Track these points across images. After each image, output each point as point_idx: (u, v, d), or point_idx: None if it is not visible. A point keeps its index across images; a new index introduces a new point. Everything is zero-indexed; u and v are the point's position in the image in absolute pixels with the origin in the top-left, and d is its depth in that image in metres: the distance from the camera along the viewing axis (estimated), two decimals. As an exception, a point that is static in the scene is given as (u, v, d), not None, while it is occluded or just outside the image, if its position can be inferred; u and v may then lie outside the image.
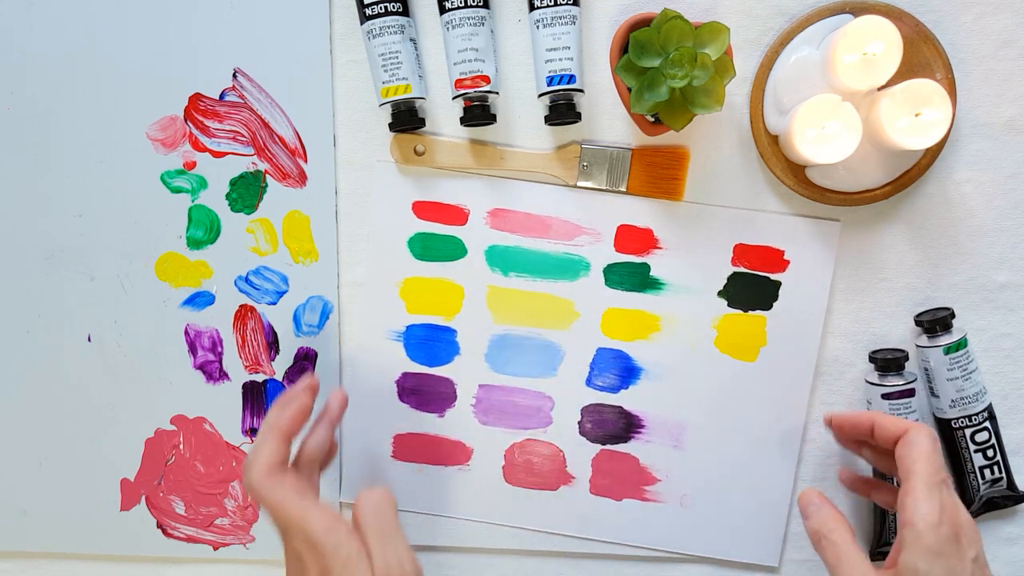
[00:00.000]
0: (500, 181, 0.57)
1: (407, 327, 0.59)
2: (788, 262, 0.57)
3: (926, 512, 0.44)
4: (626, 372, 0.59)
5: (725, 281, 0.57)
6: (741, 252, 0.57)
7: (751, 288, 0.57)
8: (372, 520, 0.46)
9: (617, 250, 0.58)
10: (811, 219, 0.57)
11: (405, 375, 0.60)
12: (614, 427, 0.59)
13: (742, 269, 0.57)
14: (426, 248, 0.58)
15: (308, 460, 0.51)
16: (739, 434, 0.58)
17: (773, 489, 0.59)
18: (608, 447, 0.59)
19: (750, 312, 0.58)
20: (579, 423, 0.59)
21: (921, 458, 0.46)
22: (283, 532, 0.46)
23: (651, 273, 0.58)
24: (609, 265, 0.58)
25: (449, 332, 0.59)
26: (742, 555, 0.59)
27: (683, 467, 0.59)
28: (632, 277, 0.58)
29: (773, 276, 0.57)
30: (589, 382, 0.59)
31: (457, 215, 0.58)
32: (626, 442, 0.59)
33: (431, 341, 0.59)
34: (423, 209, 0.58)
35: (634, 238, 0.57)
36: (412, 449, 0.60)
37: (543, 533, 0.60)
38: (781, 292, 0.57)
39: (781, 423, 0.58)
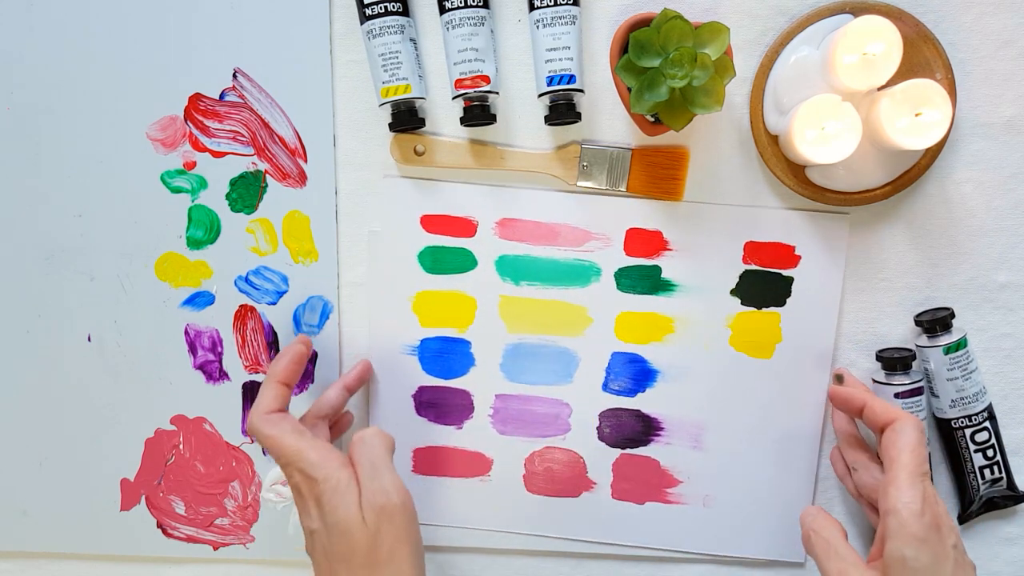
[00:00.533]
0: (507, 191, 0.57)
1: (421, 341, 0.59)
2: (799, 257, 0.57)
3: (909, 501, 0.45)
4: (642, 375, 0.58)
5: (737, 279, 0.57)
6: (752, 250, 0.57)
7: (764, 285, 0.57)
8: (362, 454, 0.49)
9: (627, 254, 0.58)
10: (820, 213, 0.56)
11: (422, 389, 0.60)
12: (632, 431, 0.59)
13: (754, 267, 0.57)
14: (436, 261, 0.58)
15: (313, 414, 0.55)
16: (758, 431, 0.58)
17: (795, 485, 0.59)
18: (628, 451, 0.59)
19: (764, 309, 0.58)
20: (597, 428, 0.59)
21: (907, 448, 0.47)
22: (283, 467, 0.50)
23: (662, 275, 0.58)
24: (620, 269, 0.58)
25: (463, 344, 0.59)
26: (767, 552, 0.59)
27: (704, 468, 0.59)
28: (644, 280, 0.58)
29: (785, 272, 0.57)
30: (605, 387, 0.59)
31: (466, 227, 0.58)
32: (645, 445, 0.59)
33: (446, 354, 0.59)
34: (431, 223, 0.58)
35: (644, 241, 0.57)
36: (432, 463, 0.60)
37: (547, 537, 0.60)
38: (794, 288, 0.57)
39: (800, 418, 0.58)
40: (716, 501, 0.59)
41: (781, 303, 0.57)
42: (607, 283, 0.58)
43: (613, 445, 0.59)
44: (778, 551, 0.59)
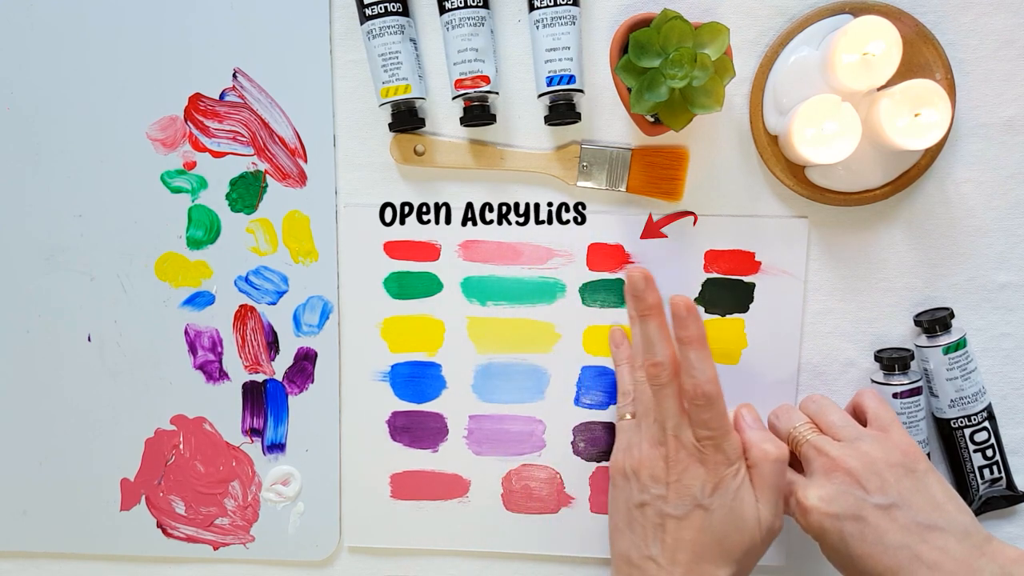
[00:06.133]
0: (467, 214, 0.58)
1: (392, 366, 0.59)
2: (760, 263, 0.57)
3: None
4: (613, 387, 0.58)
5: (700, 288, 0.57)
6: (712, 258, 0.57)
7: (726, 292, 0.57)
8: (768, 472, 0.50)
9: (590, 268, 0.58)
10: (779, 219, 0.57)
11: (395, 414, 0.60)
12: (607, 443, 0.59)
13: (715, 275, 0.57)
14: (402, 287, 0.58)
15: None
16: None
17: None
18: (604, 464, 0.59)
19: (728, 316, 0.58)
20: (572, 443, 0.59)
21: None
22: (697, 422, 0.50)
23: None
24: (584, 284, 0.58)
25: (434, 367, 0.59)
26: None
27: None
28: (608, 293, 0.58)
29: (747, 279, 0.57)
30: (577, 401, 0.59)
31: (429, 251, 0.58)
32: None
33: (417, 378, 0.59)
34: (395, 249, 0.58)
35: (606, 255, 0.57)
36: (410, 487, 0.60)
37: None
38: (756, 293, 0.57)
39: None
40: None
41: (744, 309, 0.57)
42: (572, 298, 0.58)
43: (589, 459, 0.59)
44: None
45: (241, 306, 0.59)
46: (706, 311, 0.58)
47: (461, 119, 0.55)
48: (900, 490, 0.48)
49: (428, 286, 0.59)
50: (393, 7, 0.54)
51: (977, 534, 0.47)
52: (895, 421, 0.51)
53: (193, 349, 0.60)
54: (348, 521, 0.61)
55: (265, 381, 0.60)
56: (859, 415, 0.53)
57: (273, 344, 0.59)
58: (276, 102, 0.57)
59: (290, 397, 0.60)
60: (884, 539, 0.47)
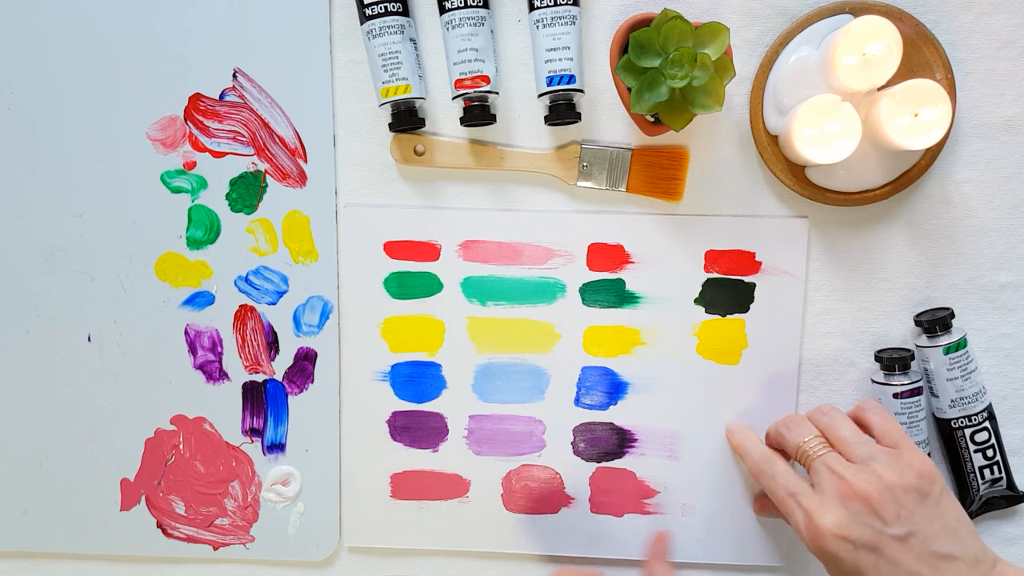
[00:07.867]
0: (468, 213, 0.57)
1: (392, 366, 0.59)
2: (760, 263, 0.57)
3: None
4: (613, 388, 0.59)
5: (700, 288, 0.57)
6: (713, 258, 0.57)
7: (726, 292, 0.57)
8: None
9: (590, 268, 0.58)
10: (779, 219, 0.57)
11: (395, 414, 0.60)
12: (607, 444, 0.59)
13: (715, 275, 0.57)
14: (402, 287, 0.58)
15: None
16: None
17: None
18: (604, 464, 0.59)
19: (728, 316, 0.58)
20: (572, 443, 0.59)
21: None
22: None
23: (626, 287, 0.58)
24: (584, 284, 0.58)
25: (434, 367, 0.59)
26: (747, 558, 0.59)
27: (680, 476, 0.59)
28: (608, 294, 0.58)
29: (747, 279, 0.57)
30: (578, 402, 0.59)
31: (429, 251, 0.58)
32: (621, 457, 0.59)
33: (417, 378, 0.59)
34: (395, 248, 0.58)
35: (606, 255, 0.58)
36: (410, 487, 0.60)
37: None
38: (756, 293, 0.57)
39: (769, 421, 0.57)
40: (693, 509, 0.59)
41: (745, 309, 0.57)
42: (572, 299, 0.58)
43: (589, 459, 0.59)
44: (756, 556, 0.59)
45: (241, 306, 0.59)
46: (706, 311, 0.58)
47: (461, 119, 0.55)
48: (916, 518, 0.47)
49: (428, 286, 0.59)
50: (393, 7, 0.54)
51: (985, 559, 0.48)
52: (904, 436, 0.51)
53: (193, 349, 0.60)
54: (348, 521, 0.61)
55: (265, 381, 0.60)
56: (863, 430, 0.53)
57: (273, 344, 0.59)
58: (276, 102, 0.57)
59: (290, 397, 0.60)
60: (898, 571, 0.46)
